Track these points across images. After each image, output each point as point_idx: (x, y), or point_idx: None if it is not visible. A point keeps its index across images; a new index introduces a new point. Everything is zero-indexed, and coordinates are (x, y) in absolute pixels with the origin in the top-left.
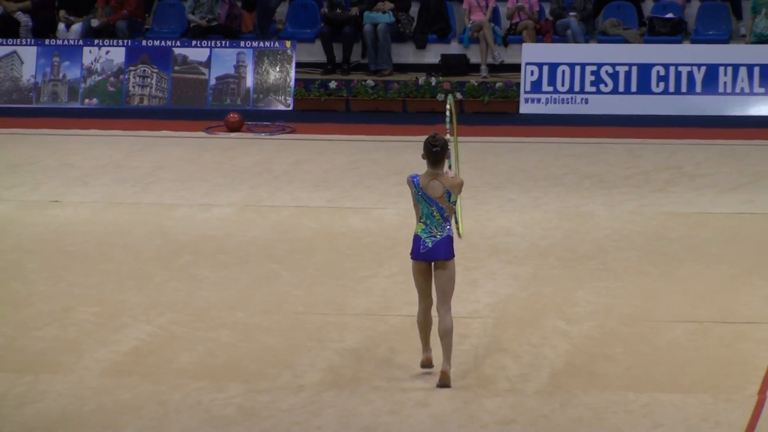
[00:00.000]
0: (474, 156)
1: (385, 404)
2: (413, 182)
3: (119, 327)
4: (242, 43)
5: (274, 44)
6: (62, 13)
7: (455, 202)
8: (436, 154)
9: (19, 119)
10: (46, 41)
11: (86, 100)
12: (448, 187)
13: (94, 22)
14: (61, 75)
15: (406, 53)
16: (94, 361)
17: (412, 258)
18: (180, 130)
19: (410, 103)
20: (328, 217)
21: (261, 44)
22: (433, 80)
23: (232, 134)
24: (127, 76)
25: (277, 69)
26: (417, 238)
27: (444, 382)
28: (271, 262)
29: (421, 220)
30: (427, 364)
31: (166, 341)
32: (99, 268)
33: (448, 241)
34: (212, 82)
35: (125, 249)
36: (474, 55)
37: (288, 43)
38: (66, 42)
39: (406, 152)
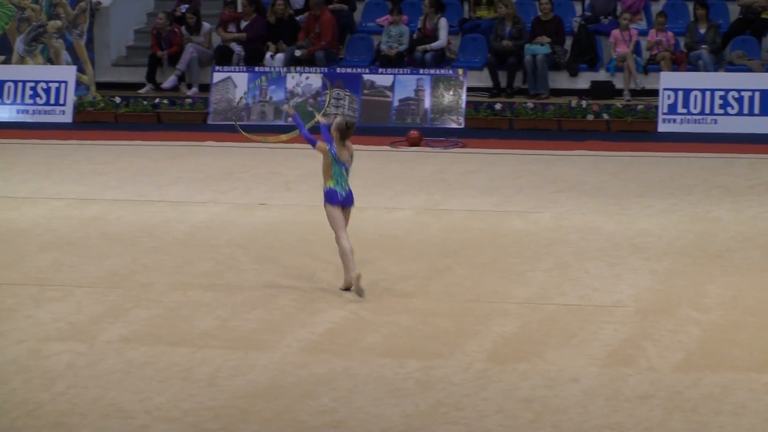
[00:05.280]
0: (619, 168)
1: (541, 380)
2: (331, 152)
3: (316, 311)
4: (421, 71)
5: (448, 72)
6: (270, 44)
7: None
8: (348, 135)
9: (231, 134)
10: (256, 68)
11: (288, 119)
12: (352, 153)
13: (297, 52)
14: (267, 97)
15: (560, 80)
16: (294, 340)
17: (331, 204)
18: (368, 145)
19: (564, 122)
20: (494, 219)
21: (437, 72)
22: (584, 103)
23: (412, 148)
24: (323, 98)
25: (451, 93)
26: (333, 191)
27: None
28: (444, 257)
29: (333, 178)
30: (349, 286)
31: (356, 324)
32: (299, 261)
33: (351, 192)
34: (395, 103)
35: (322, 245)
36: (618, 82)
37: (460, 71)
38: (272, 69)
39: (560, 164)
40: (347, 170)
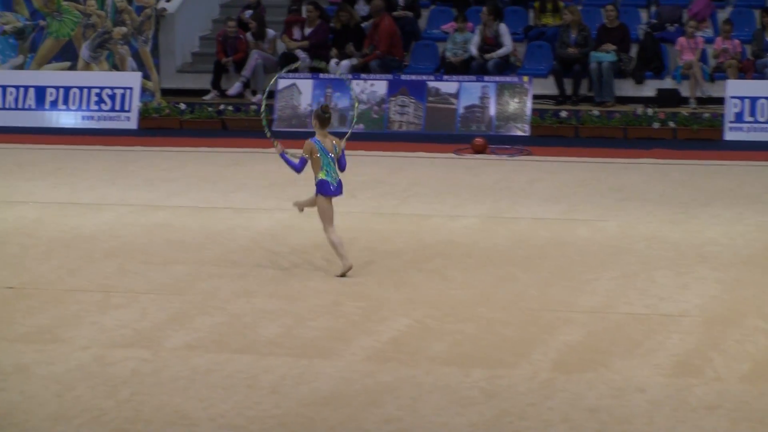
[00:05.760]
0: (685, 177)
1: (607, 389)
2: (316, 143)
3: (381, 319)
4: (486, 78)
5: (513, 79)
6: (334, 51)
7: (341, 149)
8: (327, 120)
9: (297, 141)
10: (320, 75)
11: (354, 126)
12: (335, 143)
13: (354, 60)
14: (332, 104)
15: (626, 87)
16: (359, 348)
17: (324, 195)
18: (433, 152)
19: (630, 130)
20: (559, 228)
21: (502, 79)
22: (650, 111)
23: (477, 156)
24: (388, 105)
25: (516, 100)
26: (324, 182)
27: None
28: (510, 266)
29: (323, 170)
30: (346, 271)
31: (420, 332)
32: (363, 268)
33: (340, 182)
34: (460, 110)
35: (385, 252)
36: (685, 90)
37: (525, 78)
38: (337, 76)
39: (626, 172)
40: (333, 160)
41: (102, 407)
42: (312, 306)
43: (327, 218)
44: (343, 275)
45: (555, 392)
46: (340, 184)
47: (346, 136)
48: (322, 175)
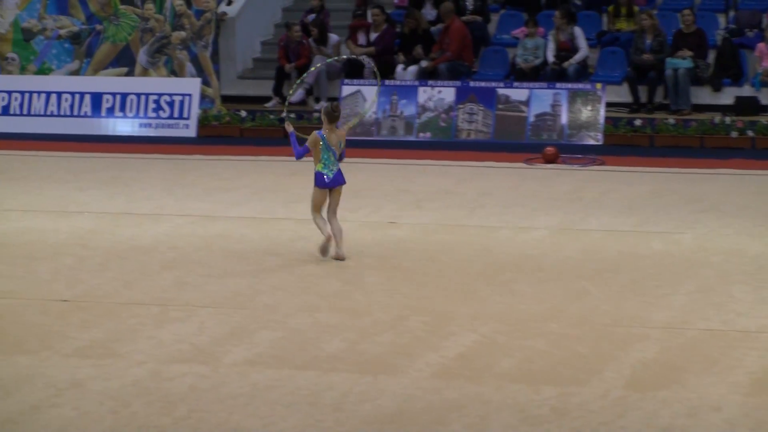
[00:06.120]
0: (764, 188)
1: (682, 408)
2: (320, 136)
3: (447, 335)
4: (557, 85)
5: (585, 86)
6: (401, 56)
7: (344, 147)
8: (335, 117)
9: (361, 150)
10: (386, 81)
11: (420, 134)
12: (340, 139)
13: (423, 64)
14: (398, 111)
15: (703, 95)
16: (425, 364)
17: (320, 187)
18: (502, 162)
19: (707, 139)
20: (633, 240)
21: (574, 86)
22: (728, 119)
23: (548, 165)
24: (456, 113)
25: (588, 108)
26: (320, 174)
27: (340, 257)
28: (581, 279)
29: (321, 162)
30: (329, 242)
31: (489, 348)
32: (430, 282)
33: (340, 172)
34: (531, 119)
35: (453, 265)
36: (765, 97)
37: (598, 85)
38: (403, 83)
39: (703, 183)
40: (335, 155)
41: (158, 425)
42: (376, 320)
43: (316, 206)
44: (323, 250)
45: (628, 411)
46: (337, 176)
47: (352, 123)
48: (319, 167)
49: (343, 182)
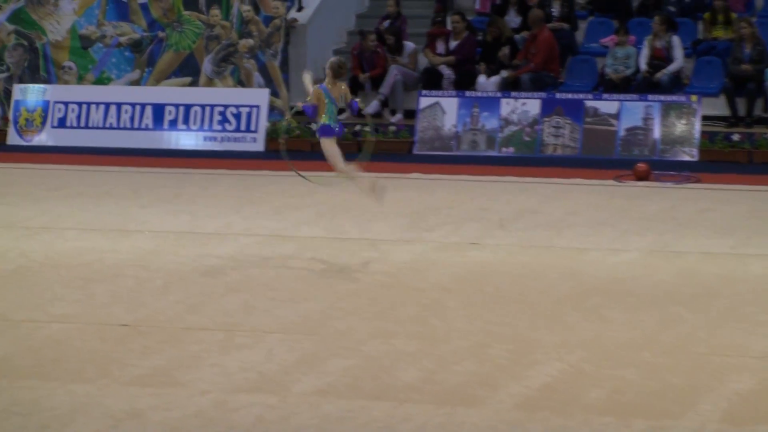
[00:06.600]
0: None
1: None
2: (323, 90)
3: (532, 363)
4: (650, 97)
5: (680, 98)
6: (482, 66)
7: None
8: (341, 74)
9: (439, 165)
10: (467, 93)
11: (503, 149)
12: (342, 93)
13: (504, 73)
14: (479, 125)
15: None
16: (507, 395)
17: (328, 136)
18: (590, 178)
19: None
20: (731, 263)
21: (668, 98)
22: None
23: (640, 183)
24: (541, 127)
25: (683, 121)
26: (327, 126)
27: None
28: (675, 305)
29: (326, 114)
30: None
31: (576, 378)
32: (513, 307)
33: (341, 124)
34: (621, 133)
35: (538, 290)
36: None
37: (693, 98)
38: (485, 94)
39: None
40: (337, 107)
41: None
42: (456, 348)
43: (334, 156)
44: (372, 191)
45: None
46: (341, 127)
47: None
48: (324, 120)
49: (343, 133)
